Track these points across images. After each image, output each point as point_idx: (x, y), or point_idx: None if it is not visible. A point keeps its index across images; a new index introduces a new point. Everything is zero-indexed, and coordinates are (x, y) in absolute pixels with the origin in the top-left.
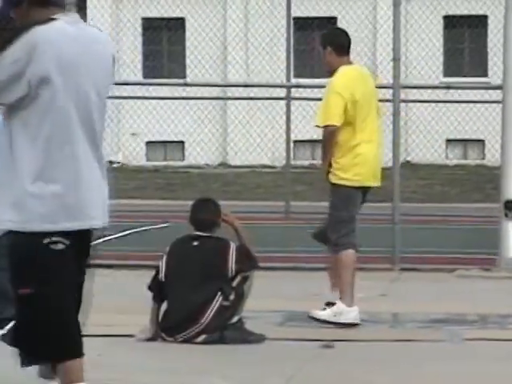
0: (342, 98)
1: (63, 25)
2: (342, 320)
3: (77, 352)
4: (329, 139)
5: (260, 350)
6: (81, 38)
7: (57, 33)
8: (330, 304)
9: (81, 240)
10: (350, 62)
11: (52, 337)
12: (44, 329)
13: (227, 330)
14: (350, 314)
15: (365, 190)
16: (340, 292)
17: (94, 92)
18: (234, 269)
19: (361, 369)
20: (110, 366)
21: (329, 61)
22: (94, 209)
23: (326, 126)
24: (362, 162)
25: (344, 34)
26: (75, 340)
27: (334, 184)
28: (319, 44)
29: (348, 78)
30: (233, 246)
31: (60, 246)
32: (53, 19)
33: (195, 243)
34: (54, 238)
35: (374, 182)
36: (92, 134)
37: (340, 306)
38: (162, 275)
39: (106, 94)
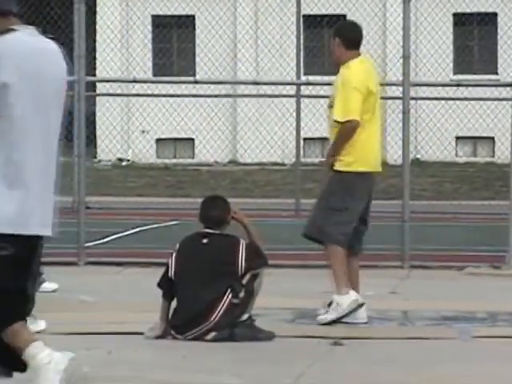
0: (360, 92)
1: (24, 35)
2: (346, 311)
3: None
4: (349, 133)
5: (270, 347)
6: (41, 49)
7: (19, 43)
8: (331, 304)
9: (30, 245)
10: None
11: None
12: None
13: (237, 328)
14: (349, 299)
15: (371, 183)
16: (336, 287)
17: (54, 101)
18: (243, 266)
19: (370, 366)
20: (119, 363)
21: (338, 54)
22: (42, 218)
23: (346, 122)
24: (369, 151)
25: (356, 29)
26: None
27: (339, 171)
28: (330, 36)
29: (362, 72)
30: (242, 244)
31: (5, 252)
32: (14, 30)
33: (205, 241)
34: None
35: (377, 169)
36: (49, 143)
37: (336, 299)
38: (171, 273)
39: (63, 104)
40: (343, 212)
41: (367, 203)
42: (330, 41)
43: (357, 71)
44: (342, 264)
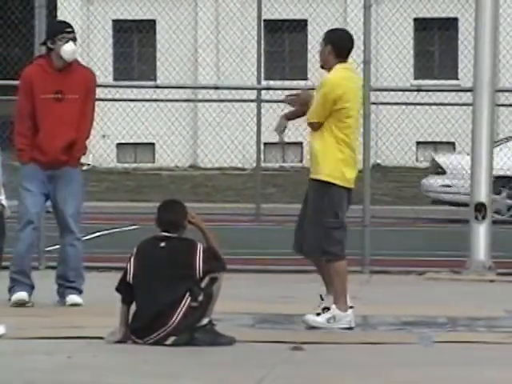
0: (327, 99)
1: None
2: (336, 325)
3: None
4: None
5: (230, 352)
6: None
7: None
8: (326, 309)
9: None
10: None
11: None
12: None
13: (197, 332)
14: (345, 318)
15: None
16: (335, 298)
17: None
18: (201, 269)
19: (330, 371)
20: (79, 368)
21: (325, 60)
22: None
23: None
24: (352, 163)
25: (349, 38)
26: None
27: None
28: (322, 38)
29: (341, 79)
30: (199, 247)
31: None
32: None
33: (162, 244)
34: None
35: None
36: None
37: (334, 311)
38: (129, 277)
39: None
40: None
41: None
42: (321, 44)
43: (335, 77)
44: (346, 278)
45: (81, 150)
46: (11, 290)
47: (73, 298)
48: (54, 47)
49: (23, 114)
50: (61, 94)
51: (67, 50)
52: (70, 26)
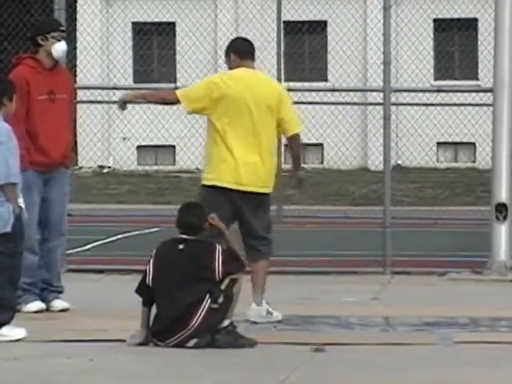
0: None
1: None
2: (274, 318)
3: None
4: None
5: (252, 353)
6: None
7: None
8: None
9: None
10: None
11: None
12: None
13: (218, 334)
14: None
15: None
16: (262, 292)
17: None
18: (220, 271)
19: (352, 372)
20: (101, 370)
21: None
22: None
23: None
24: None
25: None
26: None
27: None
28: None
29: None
30: (218, 249)
31: None
32: None
33: (181, 246)
34: None
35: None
36: None
37: (268, 308)
38: (149, 279)
39: None
40: None
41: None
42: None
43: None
44: None
45: (73, 151)
46: (23, 300)
47: (60, 303)
48: (44, 44)
49: (19, 116)
50: (52, 94)
51: (59, 48)
52: (62, 25)
